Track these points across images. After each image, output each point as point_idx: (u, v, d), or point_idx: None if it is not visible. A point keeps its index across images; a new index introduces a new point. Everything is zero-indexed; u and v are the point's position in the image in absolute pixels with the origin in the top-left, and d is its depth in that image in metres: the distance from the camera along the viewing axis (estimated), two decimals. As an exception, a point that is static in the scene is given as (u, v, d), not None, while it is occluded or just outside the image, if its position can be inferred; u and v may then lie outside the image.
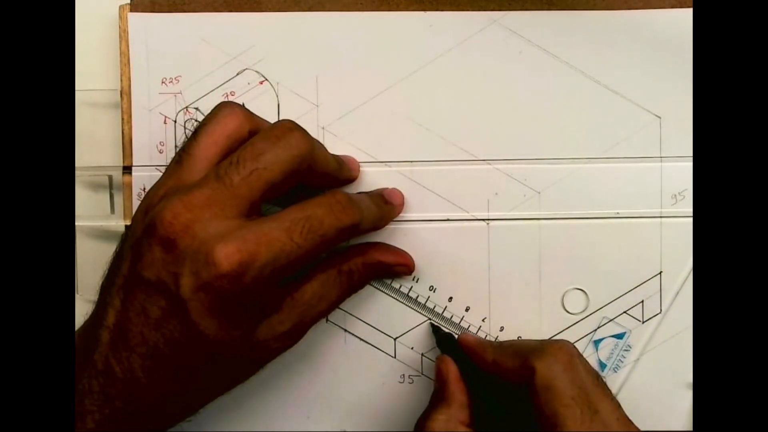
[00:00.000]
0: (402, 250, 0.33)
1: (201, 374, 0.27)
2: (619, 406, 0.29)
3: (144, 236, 0.26)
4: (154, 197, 0.28)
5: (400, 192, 0.33)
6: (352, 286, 0.31)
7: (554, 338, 0.34)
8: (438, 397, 0.31)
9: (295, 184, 0.28)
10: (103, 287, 0.28)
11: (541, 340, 0.33)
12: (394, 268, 0.33)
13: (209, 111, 0.30)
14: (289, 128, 0.28)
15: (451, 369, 0.31)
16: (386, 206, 0.32)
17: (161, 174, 0.29)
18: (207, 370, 0.27)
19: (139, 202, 0.30)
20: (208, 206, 0.26)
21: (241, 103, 0.33)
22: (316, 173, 0.29)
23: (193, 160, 0.28)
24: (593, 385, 0.29)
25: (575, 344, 0.31)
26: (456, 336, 0.33)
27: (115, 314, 0.27)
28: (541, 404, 0.28)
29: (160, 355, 0.26)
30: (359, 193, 0.33)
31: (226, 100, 0.33)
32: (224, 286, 0.26)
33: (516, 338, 0.34)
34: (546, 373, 0.28)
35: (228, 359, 0.27)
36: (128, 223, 0.34)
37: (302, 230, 0.27)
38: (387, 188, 0.33)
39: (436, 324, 0.34)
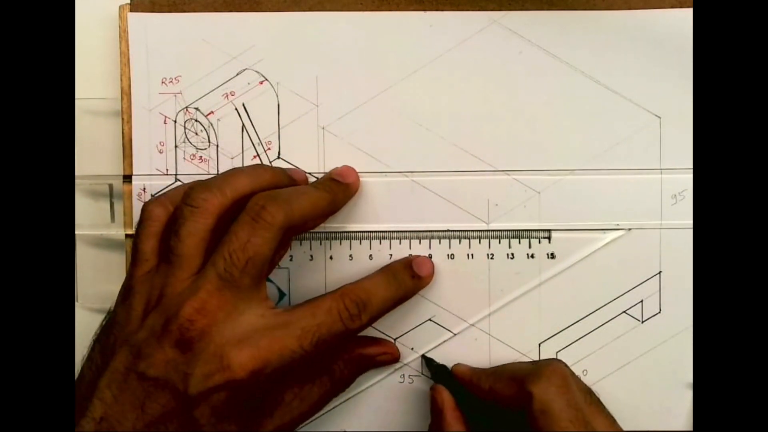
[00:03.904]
0: (384, 340, 0.33)
1: None
2: (614, 421, 0.30)
3: (152, 336, 0.27)
4: (150, 295, 0.29)
5: (431, 263, 0.33)
6: (335, 385, 0.32)
7: (548, 356, 0.34)
8: (434, 428, 0.31)
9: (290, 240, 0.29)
10: (86, 380, 0.28)
11: (534, 362, 0.33)
12: (377, 359, 0.33)
13: (185, 195, 0.29)
14: (261, 207, 0.28)
15: (446, 398, 0.31)
16: (413, 280, 0.32)
17: (160, 193, 0.29)
18: None
19: (121, 287, 0.30)
20: (220, 308, 0.27)
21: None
22: (309, 220, 0.30)
23: (182, 259, 0.28)
24: (587, 404, 0.29)
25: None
26: (448, 367, 0.33)
27: (103, 407, 0.27)
28: (539, 429, 0.28)
29: None
30: (382, 267, 0.32)
31: (197, 181, 0.30)
32: (235, 390, 0.27)
33: (514, 337, 0.34)
34: (542, 398, 0.28)
35: None
36: (129, 231, 0.34)
37: (312, 338, 0.28)
38: (418, 257, 0.33)
39: (428, 356, 0.34)
